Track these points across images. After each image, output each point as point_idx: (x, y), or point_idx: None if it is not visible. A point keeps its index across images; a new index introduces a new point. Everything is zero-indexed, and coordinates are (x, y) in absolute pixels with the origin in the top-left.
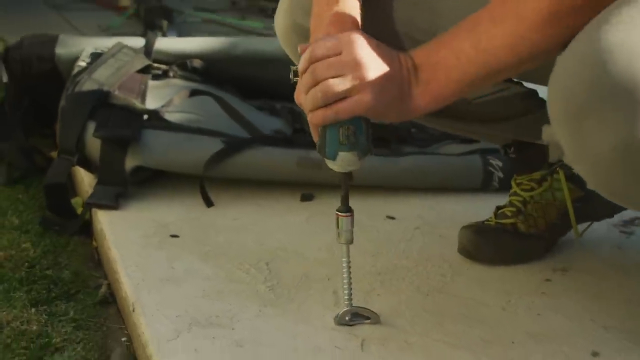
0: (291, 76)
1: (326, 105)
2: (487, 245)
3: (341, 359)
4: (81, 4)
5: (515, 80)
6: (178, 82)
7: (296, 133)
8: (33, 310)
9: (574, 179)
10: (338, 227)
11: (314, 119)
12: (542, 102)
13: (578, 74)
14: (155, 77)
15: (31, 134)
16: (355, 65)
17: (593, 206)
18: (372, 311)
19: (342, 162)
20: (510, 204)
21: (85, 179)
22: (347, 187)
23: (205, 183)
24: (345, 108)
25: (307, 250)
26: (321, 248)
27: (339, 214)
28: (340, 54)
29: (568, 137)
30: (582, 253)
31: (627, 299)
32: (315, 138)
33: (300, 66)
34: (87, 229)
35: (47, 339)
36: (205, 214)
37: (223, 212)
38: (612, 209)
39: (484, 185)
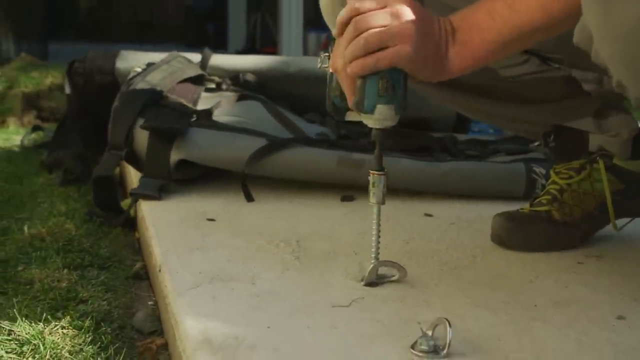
0: (319, 63)
1: (366, 55)
2: (519, 231)
3: (357, 313)
4: None
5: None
6: (230, 94)
7: (340, 139)
8: (65, 271)
9: (615, 170)
10: (370, 186)
11: (353, 68)
12: (582, 90)
13: None
14: (209, 90)
15: (90, 146)
16: (398, 17)
17: (634, 201)
18: (399, 265)
19: (379, 116)
20: (547, 192)
21: (135, 181)
22: (382, 145)
23: (247, 181)
24: (386, 56)
25: (340, 234)
26: (353, 232)
27: (373, 172)
28: (384, 7)
29: (597, 16)
30: (620, 244)
31: None
32: (351, 98)
33: (342, 18)
34: (132, 223)
35: (74, 294)
36: (244, 206)
37: (261, 206)
38: None
39: (527, 192)
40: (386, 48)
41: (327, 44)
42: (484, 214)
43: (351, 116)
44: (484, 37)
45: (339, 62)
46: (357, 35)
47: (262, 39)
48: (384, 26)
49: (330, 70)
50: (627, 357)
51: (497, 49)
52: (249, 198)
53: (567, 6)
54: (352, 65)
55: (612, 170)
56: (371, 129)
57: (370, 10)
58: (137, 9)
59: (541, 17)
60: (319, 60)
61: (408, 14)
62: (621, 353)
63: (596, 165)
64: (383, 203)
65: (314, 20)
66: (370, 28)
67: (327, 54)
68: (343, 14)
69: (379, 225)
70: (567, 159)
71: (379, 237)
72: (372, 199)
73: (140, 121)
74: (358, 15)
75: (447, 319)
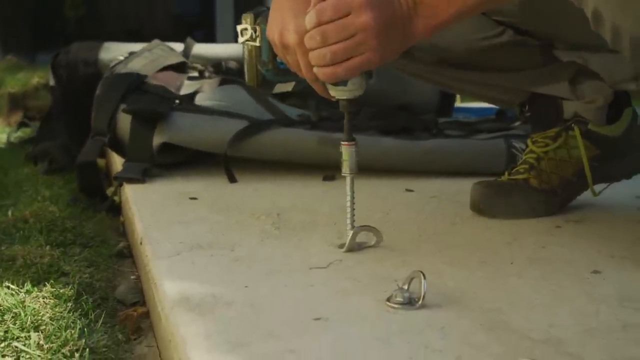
0: (240, 37)
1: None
2: (497, 198)
3: (334, 273)
4: None
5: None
6: (210, 81)
7: (321, 120)
8: (48, 247)
9: (590, 136)
10: (343, 157)
11: (324, 76)
12: (557, 59)
13: None
14: (191, 79)
15: (75, 137)
16: (364, 28)
17: (610, 166)
18: (376, 229)
19: (352, 86)
20: (525, 161)
21: (120, 169)
22: (350, 115)
23: (230, 163)
24: (356, 66)
25: (320, 208)
26: (333, 206)
27: (343, 143)
28: (348, 14)
29: None
30: (598, 209)
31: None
32: (309, 72)
33: (308, 25)
34: (117, 209)
35: (56, 268)
36: (227, 187)
37: (244, 186)
38: (630, 169)
39: (508, 167)
40: (355, 57)
41: (254, 18)
42: (464, 189)
43: (280, 88)
44: (450, 6)
45: (293, 37)
46: (324, 46)
47: None
48: (349, 37)
49: (257, 44)
50: (601, 305)
51: (462, 15)
52: (232, 179)
53: None
54: (321, 73)
55: (587, 136)
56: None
57: (333, 20)
58: (125, 17)
59: None
60: (239, 34)
61: (372, 15)
62: (595, 302)
63: (572, 132)
64: (356, 172)
65: None
66: (338, 42)
67: (246, 26)
68: (307, 22)
69: (353, 194)
70: (543, 128)
71: (354, 206)
72: (345, 169)
73: (123, 107)
74: (321, 25)
75: (422, 272)
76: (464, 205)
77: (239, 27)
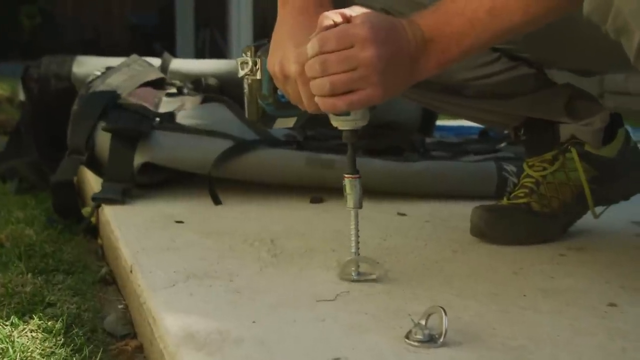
0: (240, 70)
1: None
2: (500, 222)
3: (343, 306)
4: None
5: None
6: (192, 99)
7: (307, 140)
8: (29, 275)
9: (587, 158)
10: (346, 190)
11: (324, 106)
12: (552, 82)
13: None
14: (170, 95)
15: (44, 155)
16: (366, 63)
17: (608, 188)
18: (377, 262)
19: (355, 116)
20: (523, 186)
21: (95, 187)
22: (354, 147)
23: (214, 185)
24: (358, 101)
25: (314, 233)
26: (327, 231)
27: (347, 176)
28: (352, 47)
29: None
30: (599, 236)
31: None
32: (310, 103)
33: (309, 52)
34: (93, 231)
35: (40, 298)
36: (212, 209)
37: (230, 209)
38: (627, 190)
39: (499, 191)
40: (357, 91)
41: (255, 50)
42: (456, 212)
43: (281, 123)
44: (461, 44)
45: (294, 67)
46: (324, 76)
47: (212, 56)
48: (350, 70)
49: (257, 77)
50: (624, 341)
51: (472, 52)
52: (217, 201)
53: (548, 4)
54: (322, 102)
55: (584, 157)
56: (340, 130)
57: (336, 50)
58: (82, 27)
59: (521, 18)
60: (239, 67)
61: (378, 51)
62: (616, 337)
63: (569, 155)
64: (360, 207)
65: (262, 34)
66: (339, 73)
67: (246, 59)
68: (309, 49)
69: (357, 230)
70: (539, 152)
71: (358, 242)
72: (350, 204)
73: (101, 124)
74: (325, 54)
75: (442, 307)
76: (460, 231)
77: (238, 60)
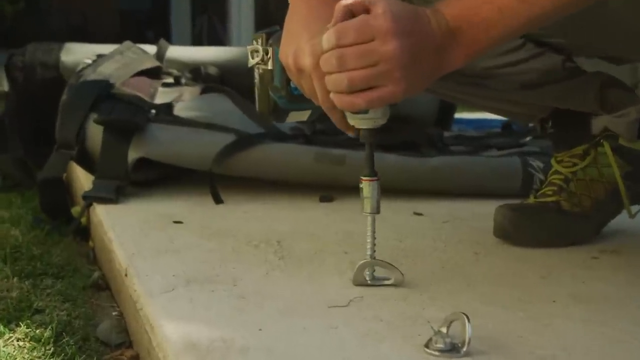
0: (250, 60)
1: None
2: (527, 222)
3: (357, 312)
4: None
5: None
6: (192, 88)
7: (316, 134)
8: (15, 279)
9: (621, 152)
10: (362, 194)
11: (341, 103)
12: (582, 70)
13: None
14: (166, 85)
15: (30, 149)
16: (388, 57)
17: None
18: (393, 265)
19: (374, 115)
20: (551, 183)
21: (86, 185)
22: (372, 147)
23: (216, 182)
24: (380, 98)
25: (324, 234)
26: (338, 232)
27: (364, 178)
28: (372, 40)
29: None
30: (634, 237)
31: None
32: (325, 99)
33: (325, 45)
34: (84, 232)
35: (28, 303)
36: (213, 208)
37: (232, 208)
38: None
39: (524, 189)
40: (377, 87)
41: (266, 38)
42: (477, 212)
43: (294, 117)
44: (490, 34)
45: (308, 60)
46: (341, 71)
47: (210, 44)
48: (370, 66)
49: (269, 67)
50: None
51: (502, 41)
52: (218, 200)
53: None
54: (338, 100)
55: (617, 152)
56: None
57: (355, 44)
58: (68, 12)
59: (552, 3)
60: (249, 55)
61: (400, 44)
62: None
63: (601, 149)
64: (378, 212)
65: (264, 21)
66: (357, 69)
67: (257, 47)
68: (324, 42)
69: (374, 236)
70: (568, 146)
71: (374, 248)
72: (367, 208)
73: (93, 116)
74: (340, 47)
75: (464, 314)
76: (482, 231)
77: (249, 48)
